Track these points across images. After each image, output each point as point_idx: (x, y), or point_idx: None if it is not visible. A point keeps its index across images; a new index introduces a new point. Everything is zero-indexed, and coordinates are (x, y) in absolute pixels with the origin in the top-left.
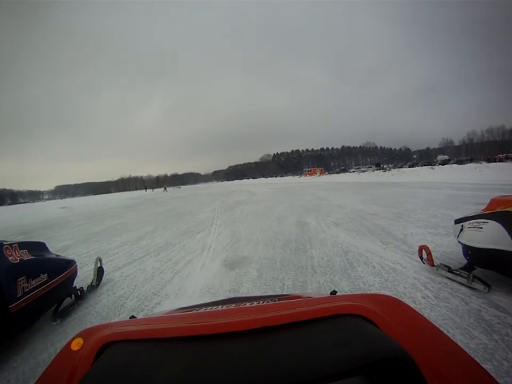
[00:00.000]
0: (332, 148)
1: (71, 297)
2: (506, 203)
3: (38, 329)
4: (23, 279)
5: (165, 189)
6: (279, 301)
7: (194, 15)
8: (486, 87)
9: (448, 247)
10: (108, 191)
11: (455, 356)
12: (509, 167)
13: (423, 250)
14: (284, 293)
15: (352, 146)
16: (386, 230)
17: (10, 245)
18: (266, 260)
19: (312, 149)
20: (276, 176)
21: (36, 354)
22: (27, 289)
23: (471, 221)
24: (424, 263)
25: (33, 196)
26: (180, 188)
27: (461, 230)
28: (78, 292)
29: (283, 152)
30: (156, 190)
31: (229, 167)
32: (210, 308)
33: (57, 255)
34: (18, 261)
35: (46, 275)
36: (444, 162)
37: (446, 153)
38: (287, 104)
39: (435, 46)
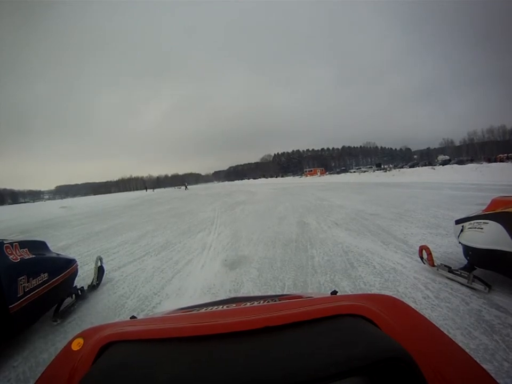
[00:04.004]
0: (333, 148)
1: (71, 297)
2: (507, 204)
3: (39, 329)
4: (23, 279)
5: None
6: (279, 301)
7: (197, 14)
8: (487, 87)
9: (448, 248)
10: (109, 191)
11: (455, 356)
12: (509, 167)
13: (424, 251)
14: (285, 293)
15: (352, 146)
16: (386, 230)
17: (11, 243)
18: (266, 260)
19: (313, 149)
20: (276, 177)
21: (36, 354)
22: (27, 289)
23: (472, 222)
24: (424, 263)
25: (34, 196)
26: (180, 188)
27: (462, 230)
28: (79, 291)
29: (284, 152)
30: (156, 190)
31: (230, 167)
32: (211, 308)
33: (58, 254)
34: (18, 260)
35: (46, 274)
36: (444, 163)
37: (447, 153)
38: (288, 104)
39: (436, 46)
